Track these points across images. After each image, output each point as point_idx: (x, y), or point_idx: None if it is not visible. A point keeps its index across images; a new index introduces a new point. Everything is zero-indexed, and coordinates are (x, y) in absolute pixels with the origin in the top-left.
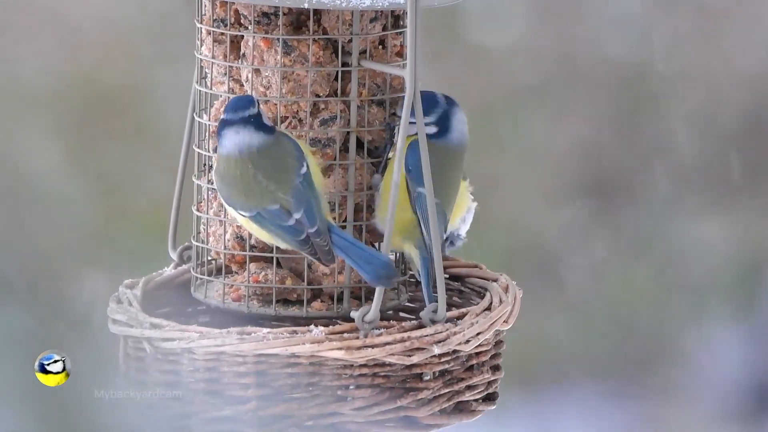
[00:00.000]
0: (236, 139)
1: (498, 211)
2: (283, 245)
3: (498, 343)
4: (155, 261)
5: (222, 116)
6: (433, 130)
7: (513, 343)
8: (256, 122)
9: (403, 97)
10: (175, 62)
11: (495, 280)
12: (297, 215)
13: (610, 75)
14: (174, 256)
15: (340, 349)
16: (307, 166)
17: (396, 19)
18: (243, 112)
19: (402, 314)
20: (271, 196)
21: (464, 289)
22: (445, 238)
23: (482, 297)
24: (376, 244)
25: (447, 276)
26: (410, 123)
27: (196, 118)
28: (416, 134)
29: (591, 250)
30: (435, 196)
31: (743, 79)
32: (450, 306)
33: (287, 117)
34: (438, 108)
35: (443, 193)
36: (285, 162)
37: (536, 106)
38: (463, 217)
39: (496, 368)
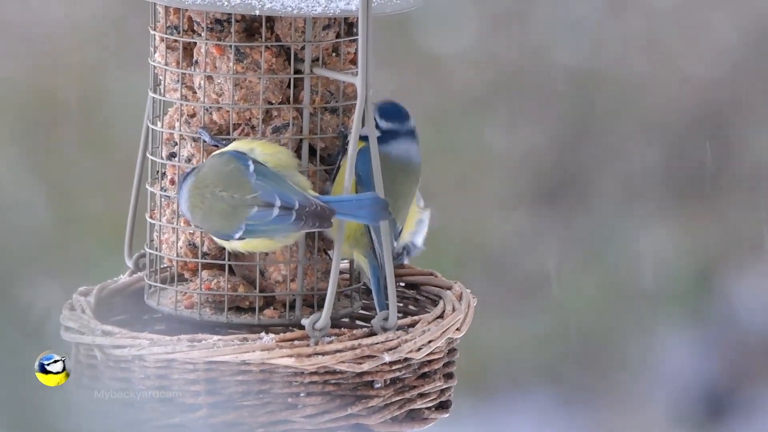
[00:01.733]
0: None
1: (451, 217)
2: (285, 240)
3: (451, 351)
4: (111, 268)
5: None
6: (377, 134)
7: (465, 349)
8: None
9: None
10: (128, 69)
11: (449, 288)
12: (277, 203)
13: (562, 82)
14: (130, 263)
15: (290, 356)
16: (254, 161)
17: (349, 26)
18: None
19: (358, 322)
20: (243, 203)
21: (419, 297)
22: (402, 249)
23: (437, 305)
24: (330, 252)
25: (402, 284)
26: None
27: (150, 126)
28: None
29: (543, 256)
30: None
31: (693, 86)
32: (405, 314)
33: (240, 124)
34: (398, 121)
35: (392, 202)
36: (230, 171)
37: (488, 113)
38: (412, 231)
39: (449, 376)
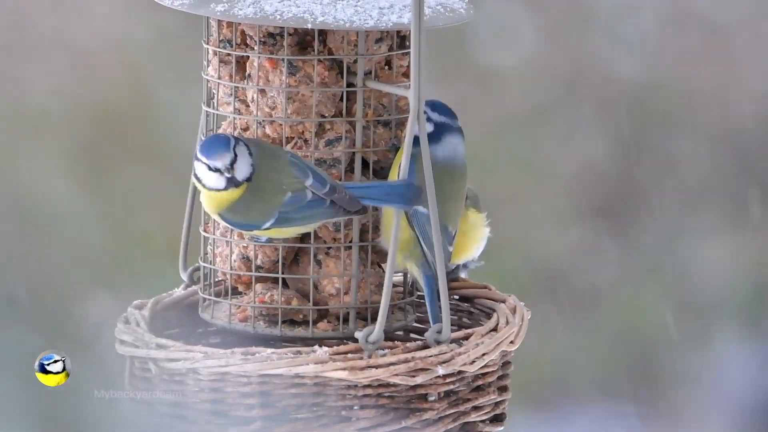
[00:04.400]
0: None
1: (508, 231)
2: (314, 226)
3: (505, 364)
4: (166, 282)
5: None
6: (429, 128)
7: (522, 363)
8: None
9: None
10: (183, 83)
11: (503, 301)
12: (308, 182)
13: (620, 94)
14: (185, 277)
15: (343, 369)
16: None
17: (402, 39)
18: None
19: (412, 335)
20: (280, 189)
21: (473, 311)
22: (463, 264)
23: (491, 318)
24: (383, 265)
25: (456, 297)
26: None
27: (204, 139)
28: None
29: (601, 270)
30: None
31: (753, 98)
32: (459, 327)
33: (293, 137)
34: (445, 116)
35: (441, 207)
36: (272, 149)
37: (546, 126)
38: (479, 247)
39: (503, 389)
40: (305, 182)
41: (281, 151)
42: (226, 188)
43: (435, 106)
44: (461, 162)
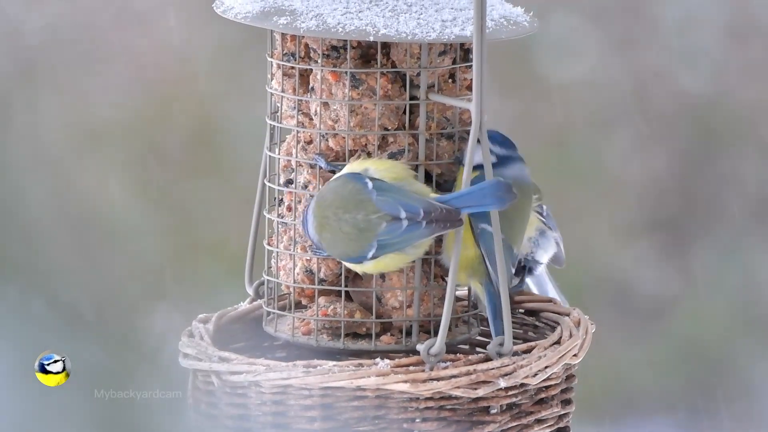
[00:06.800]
0: (307, 217)
1: (571, 243)
2: (416, 252)
3: (569, 377)
4: (232, 295)
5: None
6: (493, 159)
7: (587, 376)
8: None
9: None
10: (247, 96)
11: (567, 315)
12: (402, 215)
13: (684, 107)
14: (250, 290)
15: (405, 382)
16: (371, 178)
17: (466, 52)
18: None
19: (477, 348)
20: (370, 223)
21: (538, 324)
22: (523, 265)
23: (555, 331)
24: (446, 278)
25: (521, 311)
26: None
27: (268, 153)
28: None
29: (665, 282)
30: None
31: None
32: (524, 340)
33: (356, 150)
34: (506, 148)
35: (507, 228)
36: (349, 191)
37: (609, 139)
38: (534, 240)
39: (567, 402)
40: (399, 215)
41: (364, 192)
42: None
43: (494, 138)
44: (528, 181)
